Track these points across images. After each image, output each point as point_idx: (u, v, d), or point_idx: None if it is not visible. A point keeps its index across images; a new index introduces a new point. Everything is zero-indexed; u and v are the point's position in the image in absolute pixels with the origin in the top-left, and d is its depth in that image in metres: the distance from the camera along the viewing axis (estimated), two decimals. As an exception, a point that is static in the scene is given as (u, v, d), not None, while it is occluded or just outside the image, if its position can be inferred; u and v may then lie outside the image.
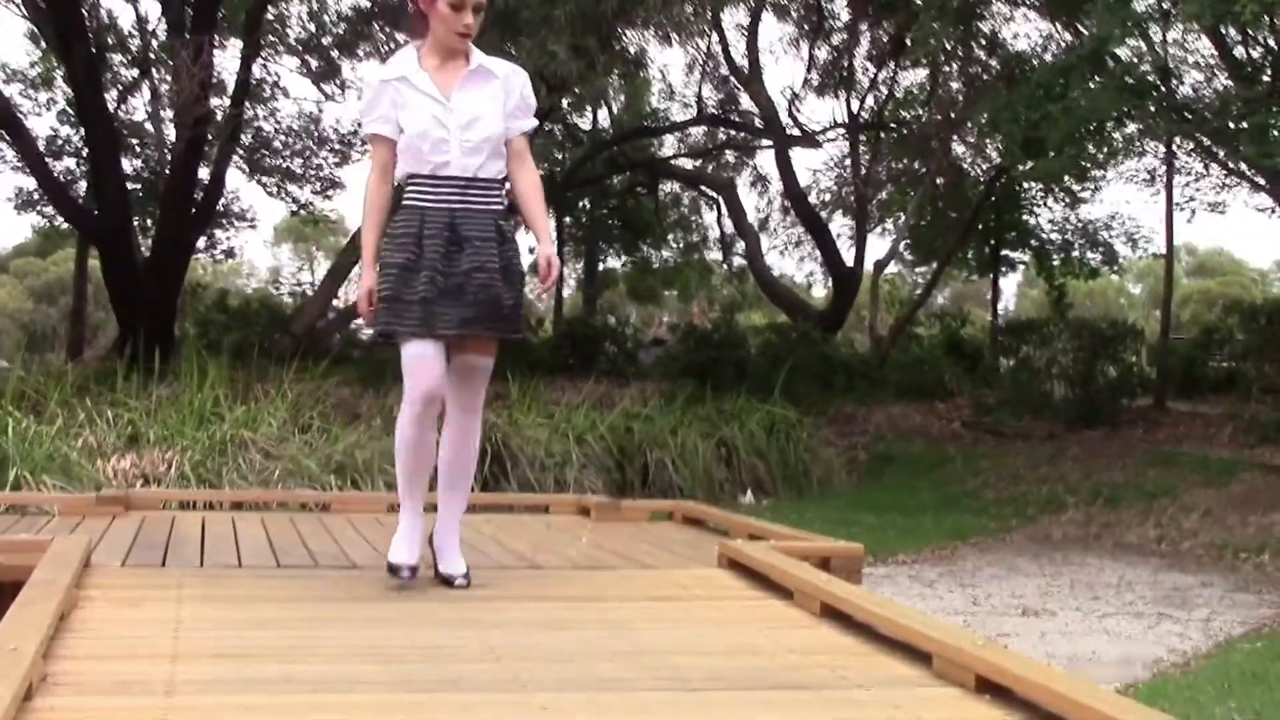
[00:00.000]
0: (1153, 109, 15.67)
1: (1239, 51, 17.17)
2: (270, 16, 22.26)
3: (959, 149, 25.27)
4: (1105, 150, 18.51)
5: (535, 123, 4.98)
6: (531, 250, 15.75)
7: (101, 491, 7.85)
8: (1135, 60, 15.98)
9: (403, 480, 4.82)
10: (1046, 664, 4.20)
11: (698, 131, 28.98)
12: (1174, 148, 20.06)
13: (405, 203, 4.65)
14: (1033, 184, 25.40)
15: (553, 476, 12.42)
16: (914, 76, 25.65)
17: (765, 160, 29.13)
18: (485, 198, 4.69)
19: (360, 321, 5.69)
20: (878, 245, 36.39)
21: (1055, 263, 26.90)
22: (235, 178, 24.97)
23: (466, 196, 4.64)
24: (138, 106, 23.68)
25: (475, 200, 4.66)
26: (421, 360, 4.60)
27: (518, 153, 4.81)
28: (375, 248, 4.72)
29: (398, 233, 4.65)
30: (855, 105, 25.87)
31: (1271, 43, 16.75)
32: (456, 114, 4.64)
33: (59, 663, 3.46)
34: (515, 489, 11.80)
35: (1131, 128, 17.26)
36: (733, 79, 26.13)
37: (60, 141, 23.66)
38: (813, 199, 27.72)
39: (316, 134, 25.19)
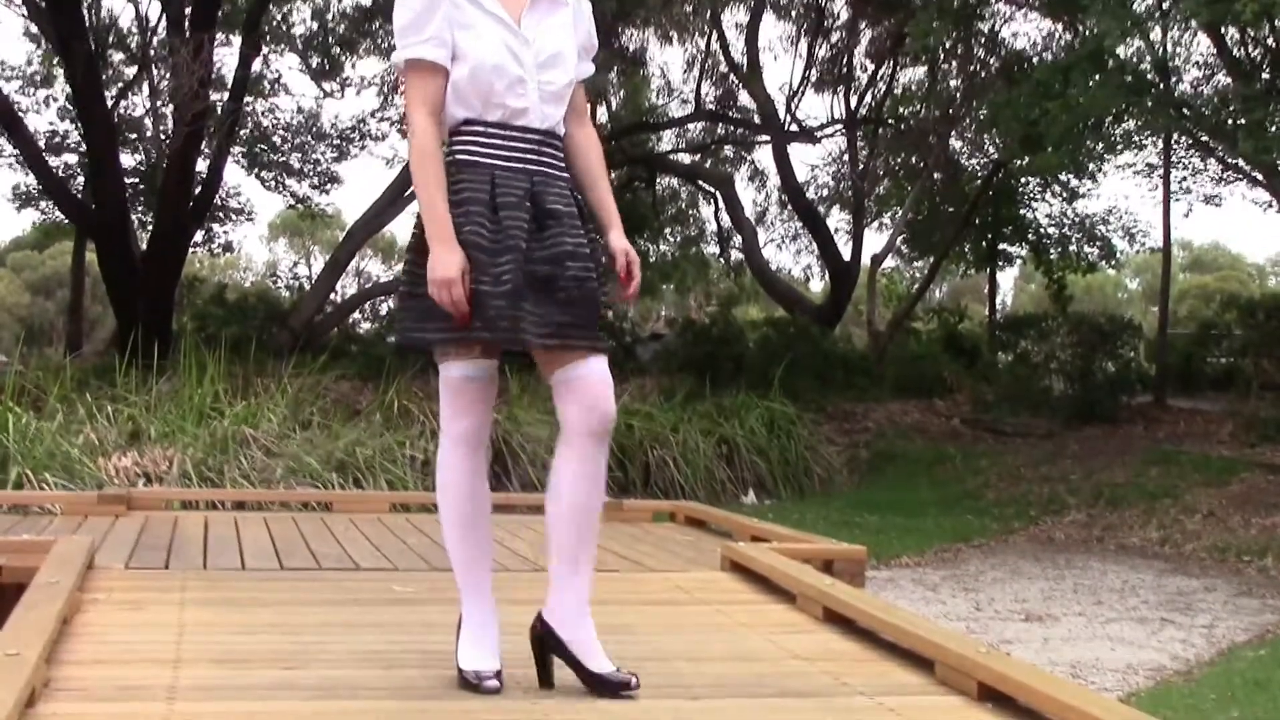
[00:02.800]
0: (1151, 105, 15.67)
1: (1237, 50, 17.19)
2: (272, 15, 22.24)
3: (957, 144, 25.29)
4: (1103, 145, 18.52)
5: (593, 69, 3.83)
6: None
7: (104, 490, 7.86)
8: (1134, 59, 16.00)
9: (463, 552, 3.58)
10: (1049, 672, 4.20)
11: (696, 127, 28.97)
12: (1172, 143, 20.08)
13: (461, 157, 3.48)
14: (1030, 178, 25.42)
15: (554, 475, 12.39)
16: (913, 73, 25.67)
17: (763, 155, 29.13)
18: (561, 161, 3.59)
19: (397, 324, 3.64)
20: (875, 240, 36.39)
21: (1052, 257, 26.90)
22: (233, 172, 24.97)
23: (544, 157, 3.51)
24: (137, 102, 23.67)
25: (552, 163, 3.54)
26: (479, 386, 3.53)
27: (578, 108, 3.69)
28: (448, 216, 3.39)
29: (460, 198, 3.42)
30: (854, 101, 25.87)
31: (1270, 41, 16.76)
32: (534, 47, 3.51)
33: (62, 667, 3.47)
34: (516, 488, 11.78)
35: (1130, 124, 17.27)
36: (732, 76, 26.12)
37: (59, 137, 23.64)
38: (810, 194, 27.72)
39: (315, 129, 25.18)
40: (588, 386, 3.43)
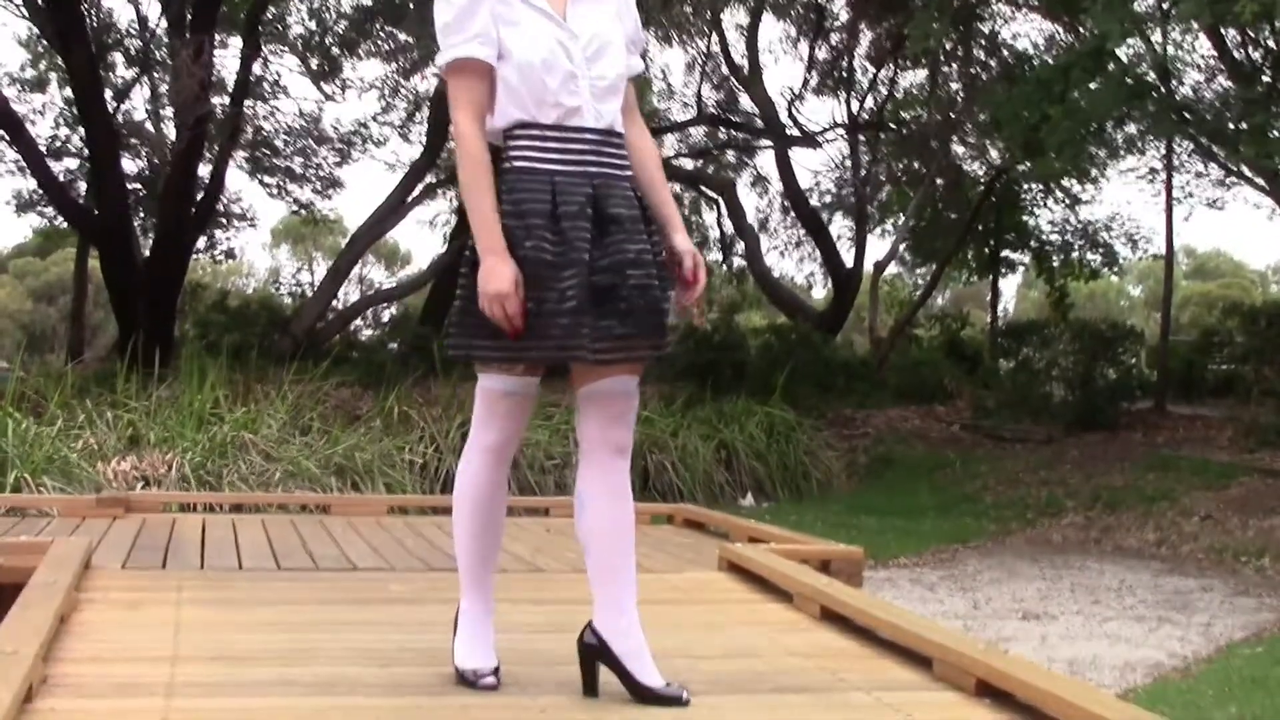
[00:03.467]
0: (1152, 110, 15.67)
1: (1238, 52, 17.19)
2: (271, 15, 22.25)
3: (959, 149, 25.29)
4: (1106, 150, 18.51)
5: (643, 65, 3.66)
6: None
7: (101, 493, 7.87)
8: (1135, 61, 16.00)
9: (471, 553, 3.51)
10: (1046, 668, 4.20)
11: (698, 131, 28.98)
12: (1174, 148, 20.08)
13: (519, 164, 3.30)
14: (1033, 185, 25.41)
15: (553, 479, 12.42)
16: (914, 77, 25.69)
17: (765, 161, 29.13)
18: (623, 161, 3.39)
19: (446, 339, 3.51)
20: (877, 246, 36.40)
21: (1055, 264, 26.89)
22: (235, 178, 25.00)
23: (603, 157, 3.33)
24: (137, 106, 23.71)
25: (614, 164, 3.36)
26: (516, 401, 3.43)
27: (629, 105, 3.49)
28: (498, 225, 3.22)
29: (520, 210, 3.25)
30: (855, 105, 25.89)
31: (1271, 43, 16.77)
32: (581, 40, 3.34)
33: (59, 665, 3.48)
34: (515, 491, 11.77)
35: (1132, 128, 17.27)
36: (732, 79, 26.14)
37: (60, 141, 23.66)
38: (813, 200, 27.73)
39: (316, 132, 25.18)
40: (616, 401, 3.34)
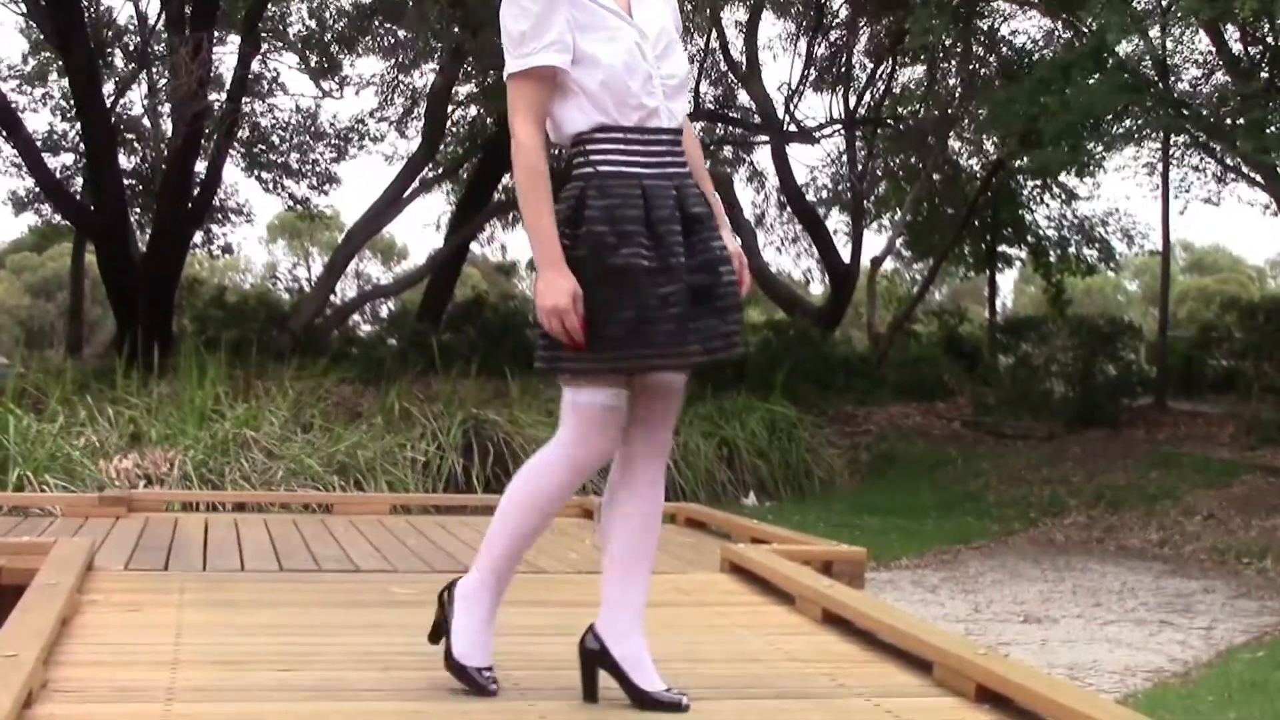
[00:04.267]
0: (1150, 104, 15.66)
1: (1236, 48, 17.19)
2: (270, 13, 22.22)
3: (956, 145, 25.27)
4: (1103, 144, 18.49)
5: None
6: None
7: (104, 492, 7.87)
8: (1134, 57, 15.99)
9: (508, 550, 3.38)
10: (1047, 673, 4.20)
11: (696, 127, 28.99)
12: (1170, 143, 20.06)
13: (605, 169, 3.21)
14: (1030, 180, 25.40)
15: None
16: (912, 73, 25.66)
17: (762, 156, 29.10)
18: (686, 159, 3.36)
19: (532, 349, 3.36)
20: (875, 242, 36.37)
21: (1052, 259, 26.89)
22: (232, 173, 24.90)
23: (678, 157, 3.29)
24: (135, 101, 23.66)
25: (684, 163, 3.33)
26: (612, 414, 3.26)
27: None
28: (557, 237, 3.17)
29: (613, 215, 3.17)
30: (853, 101, 25.86)
31: (1269, 39, 16.76)
32: (650, 39, 3.28)
33: (60, 669, 3.47)
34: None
35: (1129, 123, 17.26)
36: (731, 75, 26.11)
37: (57, 137, 23.61)
38: (810, 195, 27.70)
39: (313, 129, 25.13)
40: (667, 396, 3.34)
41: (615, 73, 3.19)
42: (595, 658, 3.30)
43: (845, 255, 26.44)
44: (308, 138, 25.09)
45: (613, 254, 3.12)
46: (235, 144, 23.04)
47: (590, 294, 3.12)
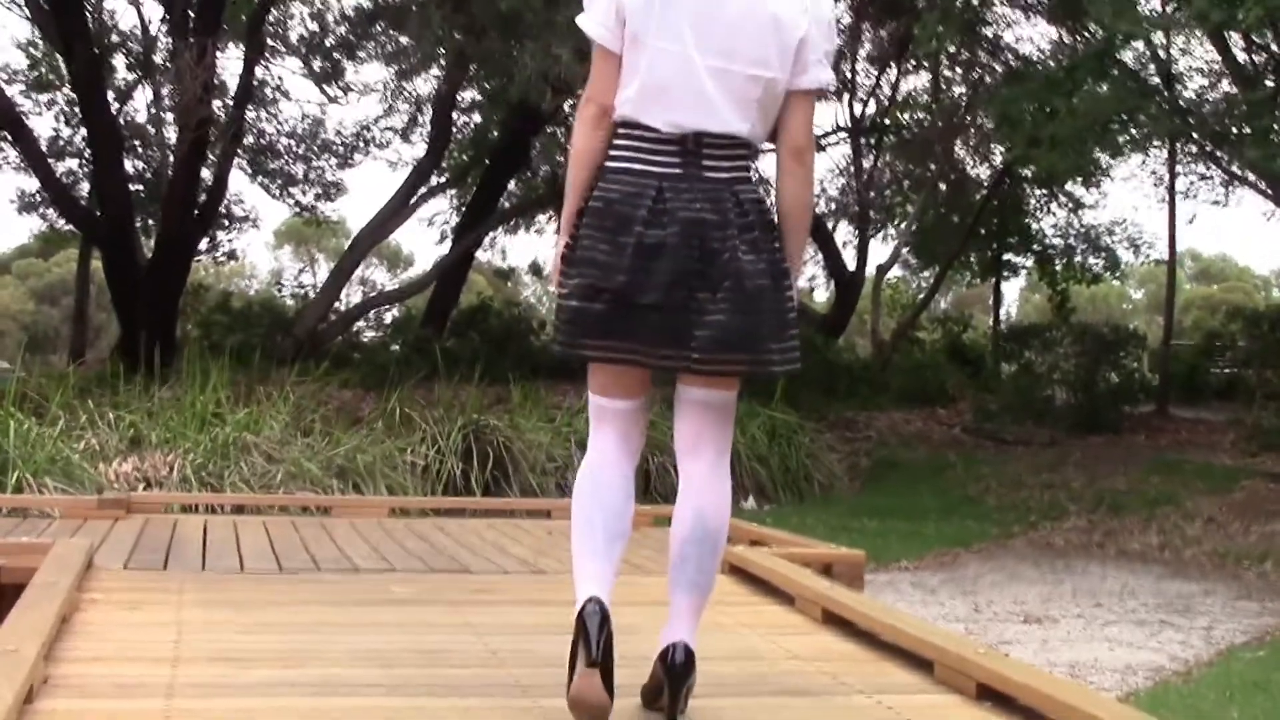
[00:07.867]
0: (1155, 112, 15.67)
1: (1241, 56, 17.20)
2: (272, 18, 22.26)
3: (961, 153, 25.26)
4: (1109, 150, 18.50)
5: None
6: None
7: (103, 494, 7.86)
8: (1140, 64, 16.00)
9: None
10: (1047, 671, 4.20)
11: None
12: (1176, 151, 20.08)
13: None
14: (1036, 188, 25.41)
15: (554, 481, 12.40)
16: (917, 80, 25.68)
17: (766, 164, 29.13)
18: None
19: None
20: (880, 250, 36.40)
21: (1057, 268, 26.90)
22: (237, 179, 24.89)
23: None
24: (139, 107, 23.69)
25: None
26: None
27: None
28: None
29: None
30: (858, 109, 25.88)
31: (1275, 47, 16.77)
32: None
33: (60, 665, 3.47)
34: (517, 493, 11.79)
35: (1135, 132, 17.26)
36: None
37: (62, 142, 23.64)
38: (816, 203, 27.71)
39: (318, 138, 25.15)
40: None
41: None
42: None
43: (850, 263, 26.46)
44: (313, 147, 25.11)
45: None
46: (240, 151, 23.05)
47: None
